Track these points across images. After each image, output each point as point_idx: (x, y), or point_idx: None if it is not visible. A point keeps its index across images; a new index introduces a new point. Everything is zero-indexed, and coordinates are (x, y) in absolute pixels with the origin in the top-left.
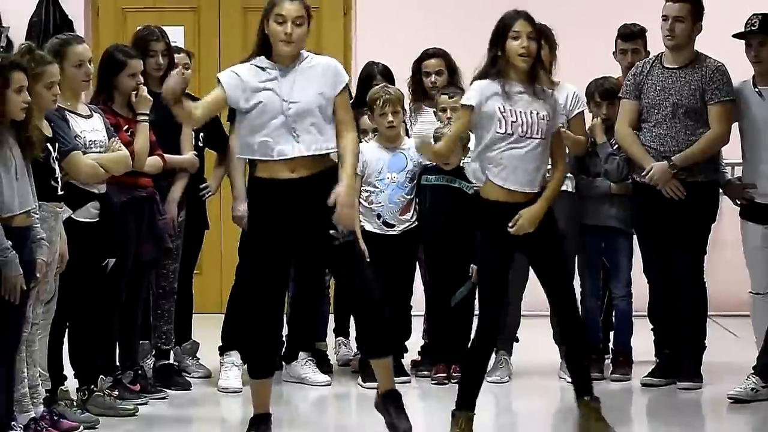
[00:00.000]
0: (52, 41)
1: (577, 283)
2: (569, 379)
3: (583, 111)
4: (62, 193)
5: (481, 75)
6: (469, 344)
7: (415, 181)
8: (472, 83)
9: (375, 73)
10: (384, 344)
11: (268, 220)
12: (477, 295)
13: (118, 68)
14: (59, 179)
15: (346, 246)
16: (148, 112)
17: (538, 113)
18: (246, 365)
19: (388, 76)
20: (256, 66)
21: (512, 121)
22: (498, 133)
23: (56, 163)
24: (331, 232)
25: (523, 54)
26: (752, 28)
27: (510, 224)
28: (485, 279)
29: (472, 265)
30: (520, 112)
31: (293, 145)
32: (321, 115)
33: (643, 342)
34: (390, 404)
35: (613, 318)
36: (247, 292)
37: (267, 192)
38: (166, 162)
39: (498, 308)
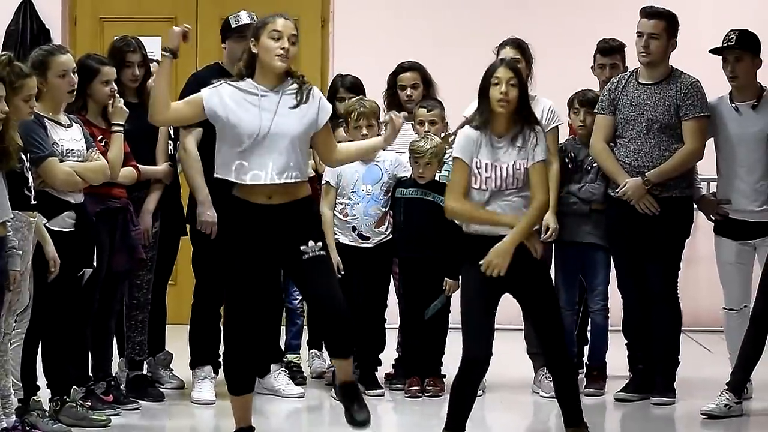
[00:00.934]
0: (37, 52)
1: None
2: (543, 393)
3: (558, 126)
4: (35, 202)
5: (469, 121)
6: (458, 371)
7: (389, 194)
8: (457, 129)
9: (338, 86)
10: (348, 345)
11: (244, 239)
12: (462, 308)
13: (91, 76)
14: (32, 188)
15: (315, 259)
16: (123, 123)
17: (515, 164)
18: (225, 381)
19: (356, 88)
20: (238, 88)
21: (486, 177)
22: (473, 188)
23: (29, 172)
24: (302, 247)
25: (501, 100)
26: (729, 43)
27: (480, 263)
28: (469, 318)
29: (446, 279)
30: (496, 166)
31: (266, 171)
32: (298, 143)
33: (617, 357)
34: (348, 395)
35: (588, 332)
36: (228, 310)
37: (244, 213)
38: (141, 173)
39: (484, 345)
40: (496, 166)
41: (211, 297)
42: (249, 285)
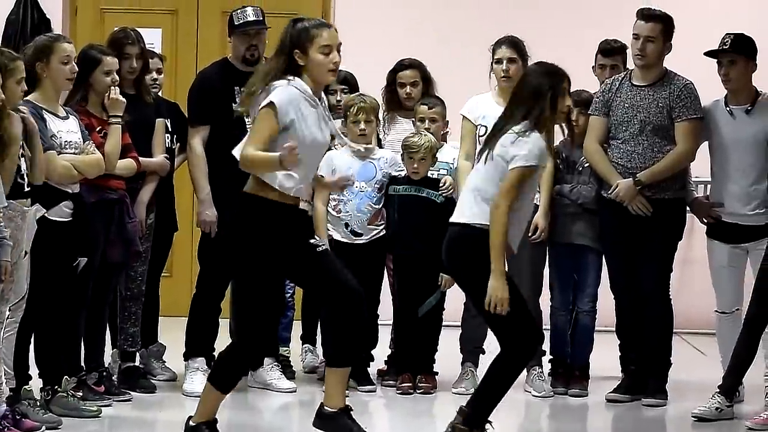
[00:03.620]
0: (41, 37)
1: (547, 295)
2: (535, 392)
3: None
4: (29, 189)
5: None
6: (514, 360)
7: (383, 192)
8: None
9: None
10: (352, 353)
11: (289, 242)
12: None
13: (93, 66)
14: (26, 176)
15: (327, 252)
16: (120, 114)
17: None
18: (220, 380)
19: (348, 82)
20: (303, 94)
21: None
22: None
23: (21, 159)
24: (311, 241)
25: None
26: (724, 47)
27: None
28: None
29: (441, 274)
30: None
31: (307, 183)
32: None
33: (610, 358)
34: (350, 419)
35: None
36: (248, 311)
37: (286, 217)
38: (140, 165)
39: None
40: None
41: (214, 289)
42: (277, 286)
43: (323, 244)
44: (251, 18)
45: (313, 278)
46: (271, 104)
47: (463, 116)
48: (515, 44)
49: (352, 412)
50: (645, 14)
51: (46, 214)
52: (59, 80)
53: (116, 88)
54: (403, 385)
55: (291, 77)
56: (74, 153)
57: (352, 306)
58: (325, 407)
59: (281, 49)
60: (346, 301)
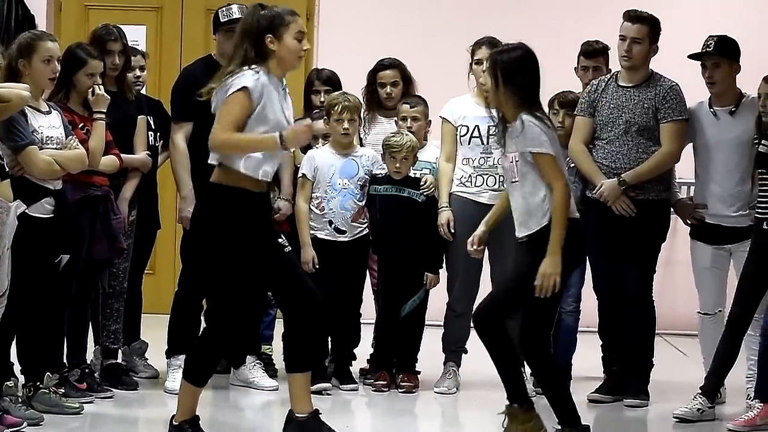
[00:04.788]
0: (25, 35)
1: None
2: None
3: None
4: (9, 170)
5: None
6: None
7: (366, 189)
8: None
9: (314, 79)
10: (311, 356)
11: (258, 232)
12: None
13: (78, 66)
14: (2, 156)
15: (291, 253)
16: (104, 110)
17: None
18: (195, 372)
19: (332, 82)
20: (269, 80)
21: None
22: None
23: None
24: (279, 240)
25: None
26: (707, 49)
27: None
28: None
29: (426, 273)
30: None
31: (273, 166)
32: None
33: (592, 358)
34: (320, 421)
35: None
36: (219, 301)
37: (255, 206)
38: (123, 162)
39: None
40: None
41: (196, 287)
42: (254, 283)
43: (288, 246)
44: (237, 15)
45: (276, 276)
46: (244, 89)
47: (444, 118)
48: (494, 45)
49: (320, 415)
50: (631, 16)
51: (26, 211)
52: (40, 79)
53: (100, 85)
54: (378, 383)
55: (255, 67)
56: (56, 148)
57: (310, 310)
58: (296, 414)
59: (248, 35)
60: (305, 304)
